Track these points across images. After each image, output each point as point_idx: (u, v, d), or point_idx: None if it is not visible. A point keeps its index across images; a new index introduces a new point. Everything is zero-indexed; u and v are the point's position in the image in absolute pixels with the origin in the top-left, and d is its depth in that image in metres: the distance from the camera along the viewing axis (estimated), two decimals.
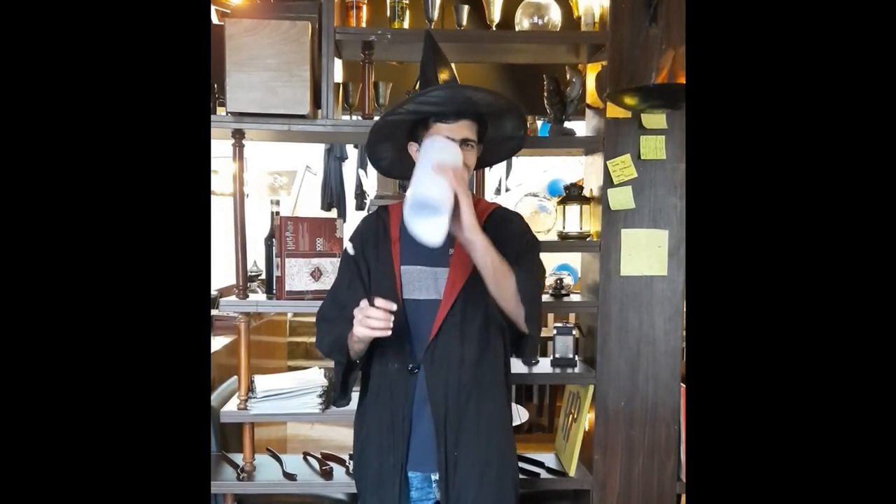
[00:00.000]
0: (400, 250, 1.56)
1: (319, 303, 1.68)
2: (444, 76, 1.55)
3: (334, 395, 1.65)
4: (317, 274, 2.10)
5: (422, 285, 1.54)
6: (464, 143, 1.49)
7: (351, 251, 1.52)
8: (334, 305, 1.61)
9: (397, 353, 1.51)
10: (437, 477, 1.54)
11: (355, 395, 1.69)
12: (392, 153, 1.64)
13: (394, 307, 1.36)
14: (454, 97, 1.45)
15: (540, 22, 2.20)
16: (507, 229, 1.57)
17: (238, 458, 2.22)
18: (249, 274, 2.28)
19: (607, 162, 2.09)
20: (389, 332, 1.36)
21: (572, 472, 2.20)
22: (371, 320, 1.35)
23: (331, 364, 1.70)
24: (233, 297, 2.13)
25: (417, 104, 1.47)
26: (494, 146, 1.62)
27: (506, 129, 1.58)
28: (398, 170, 1.71)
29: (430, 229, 1.34)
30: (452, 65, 1.63)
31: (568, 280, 2.37)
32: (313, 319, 1.68)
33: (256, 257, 2.49)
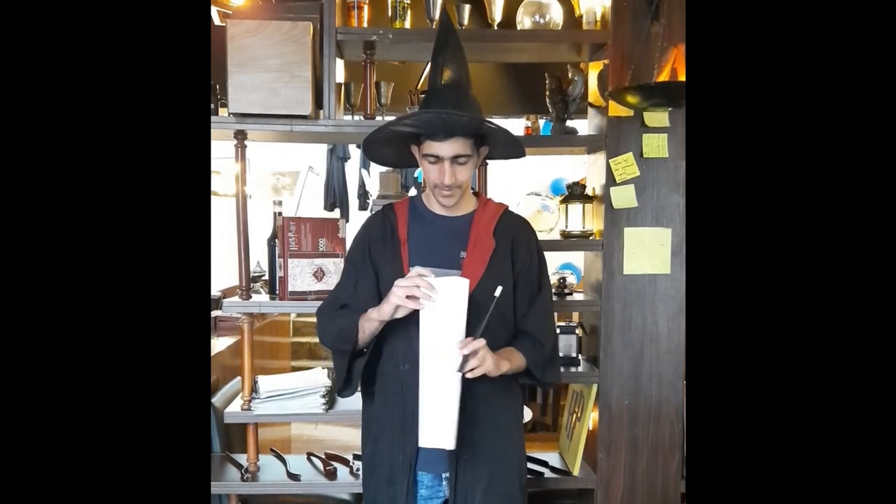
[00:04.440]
0: (409, 252, 1.55)
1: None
2: (447, 74, 1.53)
3: (339, 385, 1.61)
4: (319, 274, 2.10)
5: None
6: (455, 159, 1.47)
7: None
8: (336, 305, 1.61)
9: (407, 353, 1.50)
10: (448, 475, 1.54)
11: (351, 397, 1.68)
12: (393, 151, 1.64)
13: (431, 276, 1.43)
14: (435, 121, 1.44)
15: (541, 21, 2.20)
16: (520, 250, 1.60)
17: (242, 459, 2.22)
18: (252, 274, 2.29)
19: (610, 160, 2.09)
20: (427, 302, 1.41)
21: (576, 471, 2.20)
22: (417, 290, 1.39)
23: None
24: (236, 298, 2.13)
25: (404, 125, 1.48)
26: (500, 146, 1.61)
27: (500, 139, 1.55)
28: (399, 162, 1.74)
29: (442, 438, 1.41)
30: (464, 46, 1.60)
31: (571, 279, 2.37)
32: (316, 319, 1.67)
33: (259, 258, 2.49)
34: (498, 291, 1.40)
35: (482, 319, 1.39)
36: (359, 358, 1.57)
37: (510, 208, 1.67)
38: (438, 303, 1.40)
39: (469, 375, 1.39)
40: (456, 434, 1.40)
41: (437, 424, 1.40)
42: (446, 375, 1.39)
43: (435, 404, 1.40)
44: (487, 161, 1.75)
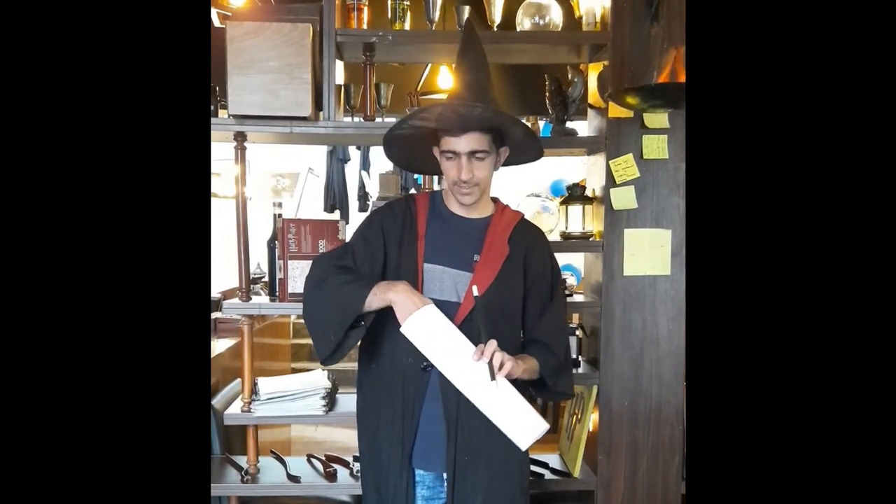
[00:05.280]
0: (425, 247, 1.56)
1: None
2: (469, 78, 1.54)
3: (324, 351, 1.51)
4: None
5: (443, 286, 1.54)
6: (472, 155, 1.48)
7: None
8: (336, 267, 1.54)
9: (410, 347, 1.49)
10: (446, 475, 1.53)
11: (352, 399, 1.67)
12: (414, 154, 1.65)
13: None
14: (449, 115, 1.46)
15: (541, 22, 2.20)
16: (533, 259, 1.62)
17: (242, 461, 2.22)
18: (252, 276, 2.29)
19: (609, 162, 2.09)
20: None
21: (577, 473, 2.20)
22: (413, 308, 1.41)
23: (334, 366, 1.68)
24: (236, 300, 2.13)
25: (420, 120, 1.49)
26: (522, 149, 1.60)
27: (518, 136, 1.56)
28: (424, 168, 1.77)
29: (532, 430, 1.42)
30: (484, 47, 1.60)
31: (571, 280, 2.37)
32: None
33: (259, 259, 2.49)
34: (475, 290, 1.43)
35: (483, 325, 1.41)
36: (356, 329, 1.50)
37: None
38: (430, 340, 1.42)
39: (501, 376, 1.40)
40: (536, 414, 1.42)
41: (519, 425, 1.42)
42: (488, 388, 1.40)
43: (503, 413, 1.42)
44: None
